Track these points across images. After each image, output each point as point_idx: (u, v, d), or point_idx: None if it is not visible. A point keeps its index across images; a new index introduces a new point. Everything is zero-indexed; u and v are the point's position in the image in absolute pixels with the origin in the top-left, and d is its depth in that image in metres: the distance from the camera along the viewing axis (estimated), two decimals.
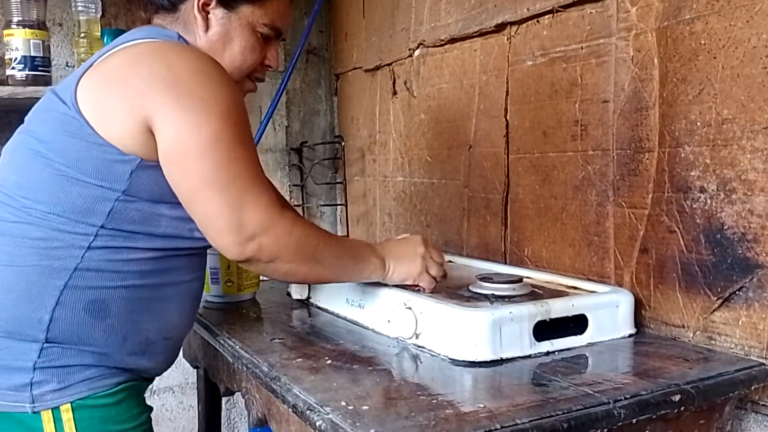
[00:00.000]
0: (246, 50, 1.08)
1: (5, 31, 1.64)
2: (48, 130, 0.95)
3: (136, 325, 0.99)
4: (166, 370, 1.09)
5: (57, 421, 0.93)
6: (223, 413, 1.88)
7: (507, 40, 1.43)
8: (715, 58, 1.02)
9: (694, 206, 1.07)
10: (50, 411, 0.93)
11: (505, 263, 1.45)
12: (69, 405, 0.93)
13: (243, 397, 1.18)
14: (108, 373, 0.97)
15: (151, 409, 1.05)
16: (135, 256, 0.96)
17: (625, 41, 1.17)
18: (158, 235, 0.98)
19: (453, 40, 1.60)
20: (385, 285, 1.17)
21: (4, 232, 0.94)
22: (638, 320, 1.14)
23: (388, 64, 1.90)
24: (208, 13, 1.05)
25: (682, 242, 1.09)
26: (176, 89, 0.92)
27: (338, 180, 2.25)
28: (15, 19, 1.63)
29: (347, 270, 1.09)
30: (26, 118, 1.03)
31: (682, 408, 0.87)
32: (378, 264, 1.11)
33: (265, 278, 1.60)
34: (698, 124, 1.05)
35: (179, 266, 1.03)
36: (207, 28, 1.06)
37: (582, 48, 1.25)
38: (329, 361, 1.01)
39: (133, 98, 0.92)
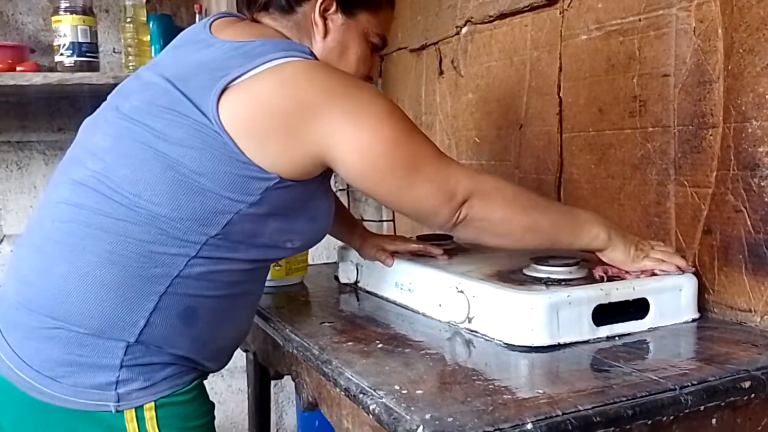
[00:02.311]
0: (360, 59, 1.05)
1: (53, 18, 1.66)
2: (178, 133, 0.89)
3: (217, 333, 0.99)
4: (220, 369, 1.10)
5: (140, 420, 0.91)
6: (271, 397, 1.89)
7: (560, 13, 1.38)
8: None
9: (762, 184, 1.01)
10: (133, 410, 0.91)
11: None
12: (153, 403, 0.92)
13: (293, 381, 1.17)
14: (184, 370, 0.96)
15: (214, 405, 1.05)
16: (230, 267, 0.95)
17: (686, 12, 1.11)
18: (257, 246, 0.96)
19: (502, 16, 1.55)
20: (436, 268, 1.14)
21: (106, 228, 0.89)
22: (701, 304, 1.09)
23: (434, 43, 1.86)
24: (327, 18, 1.02)
25: (749, 222, 1.04)
26: (342, 110, 0.91)
27: None
28: (63, 6, 1.65)
29: (563, 230, 1.04)
30: (128, 102, 0.95)
31: (752, 395, 0.83)
32: (602, 231, 1.05)
33: (312, 263, 1.59)
34: (767, 97, 0.99)
35: (259, 276, 1.03)
36: (325, 33, 1.03)
37: (640, 20, 1.20)
38: (380, 345, 0.99)
39: (299, 131, 0.90)
